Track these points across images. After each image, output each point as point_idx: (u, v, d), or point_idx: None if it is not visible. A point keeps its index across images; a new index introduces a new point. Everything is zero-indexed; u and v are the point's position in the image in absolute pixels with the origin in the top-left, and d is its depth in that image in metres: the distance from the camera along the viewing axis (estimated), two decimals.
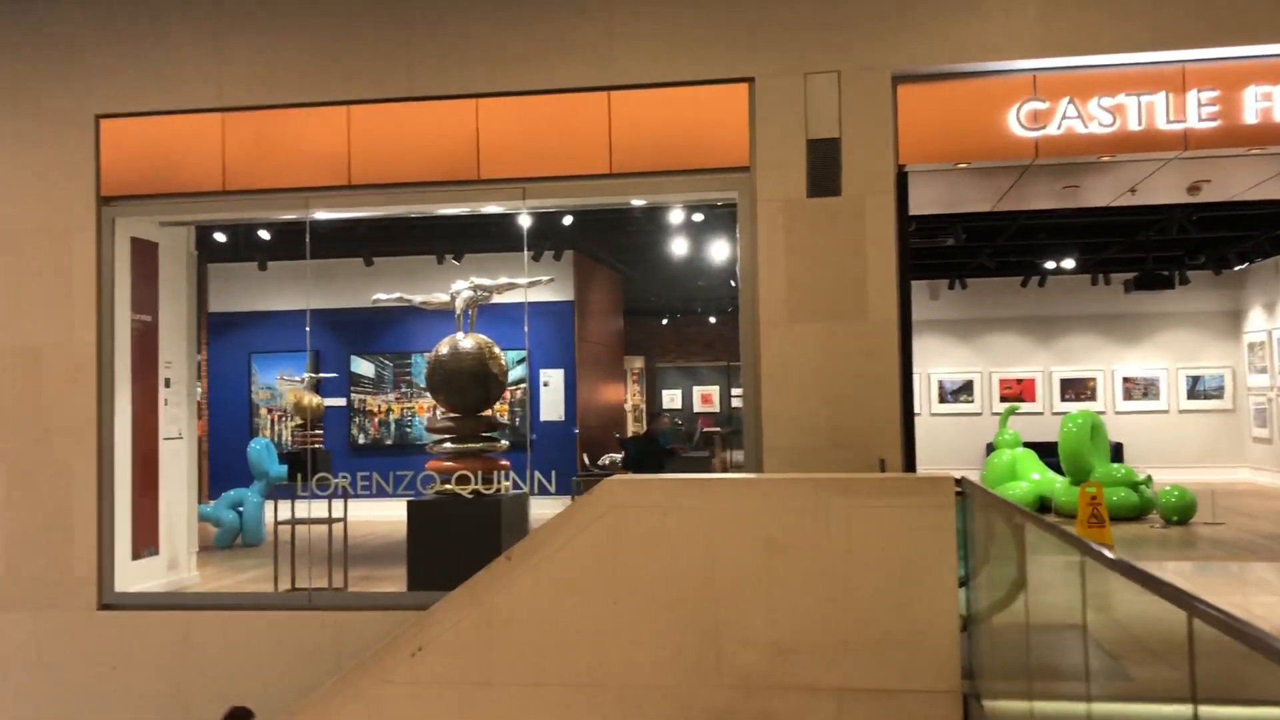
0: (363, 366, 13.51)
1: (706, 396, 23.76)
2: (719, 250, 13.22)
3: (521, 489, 6.96)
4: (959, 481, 4.76)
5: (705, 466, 13.14)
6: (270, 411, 13.61)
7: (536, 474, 6.94)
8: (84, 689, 6.78)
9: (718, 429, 17.20)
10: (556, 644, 4.82)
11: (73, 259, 7.02)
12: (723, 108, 6.59)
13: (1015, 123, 6.42)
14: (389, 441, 13.46)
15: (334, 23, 6.86)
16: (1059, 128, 6.36)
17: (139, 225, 7.36)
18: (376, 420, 13.53)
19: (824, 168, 6.42)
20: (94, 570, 6.89)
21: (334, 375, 13.06)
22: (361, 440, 13.47)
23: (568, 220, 10.14)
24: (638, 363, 20.46)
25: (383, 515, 8.68)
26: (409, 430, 13.44)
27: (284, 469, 11.11)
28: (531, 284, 7.74)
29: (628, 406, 18.38)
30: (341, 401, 13.37)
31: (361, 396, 13.50)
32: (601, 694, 4.78)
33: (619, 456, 10.88)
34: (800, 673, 4.65)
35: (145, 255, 7.49)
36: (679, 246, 12.80)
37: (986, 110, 6.47)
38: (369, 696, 4.91)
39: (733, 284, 17.26)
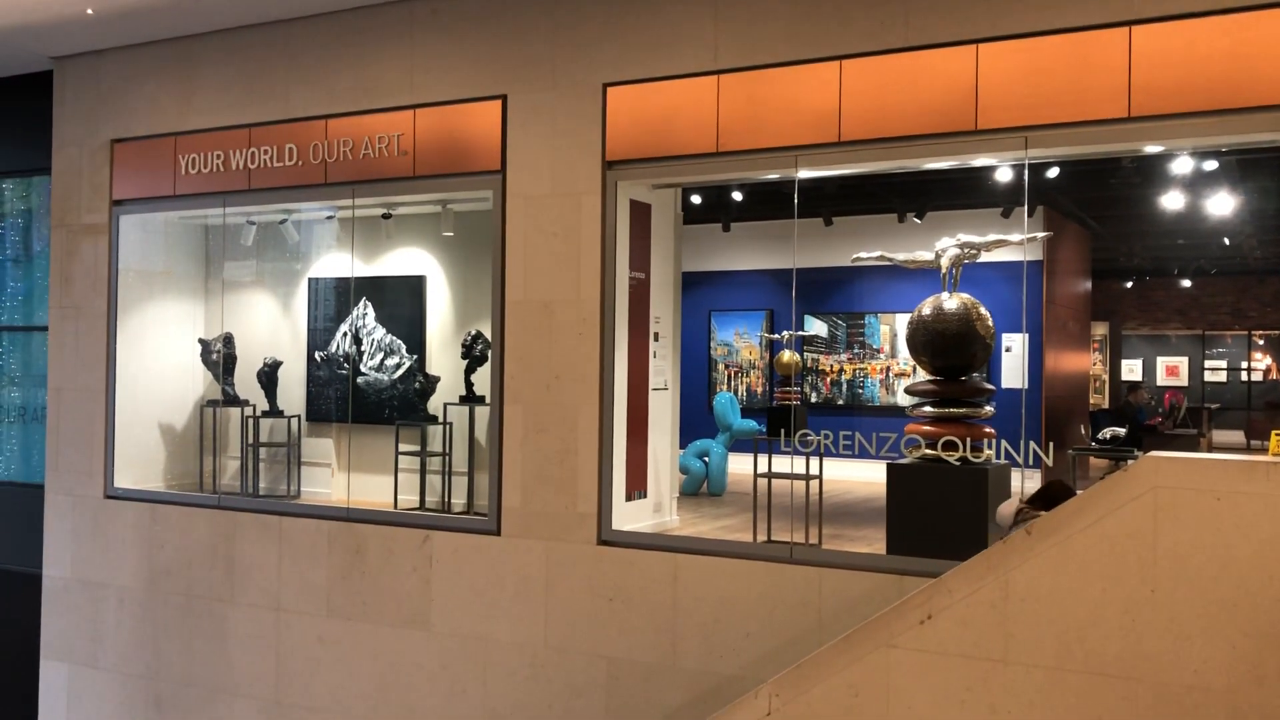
0: (816, 326, 13.59)
1: (1172, 368, 21.49)
2: (1216, 204, 11.74)
3: (1015, 457, 6.57)
4: None
5: (1193, 446, 11.82)
6: (727, 367, 14.13)
7: (1032, 444, 6.51)
8: (585, 616, 7.39)
9: (1208, 405, 15.43)
10: (1080, 628, 4.46)
11: (581, 220, 7.57)
12: (1270, 35, 5.71)
13: None
14: (840, 401, 13.46)
15: None
16: None
17: (635, 188, 7.79)
18: (828, 380, 13.59)
19: None
20: (594, 508, 7.45)
21: (816, 334, 13.24)
22: (814, 399, 13.59)
23: (1053, 173, 9.42)
24: (1100, 329, 18.89)
25: (835, 475, 8.61)
26: (860, 391, 13.36)
27: (747, 423, 11.50)
28: (1028, 240, 7.22)
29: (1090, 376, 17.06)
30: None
31: (814, 356, 13.61)
32: (1133, 687, 4.36)
33: (1122, 431, 10.03)
34: None
35: (641, 216, 7.95)
36: (1169, 200, 11.51)
37: None
38: (872, 659, 4.85)
39: (1226, 241, 15.34)
